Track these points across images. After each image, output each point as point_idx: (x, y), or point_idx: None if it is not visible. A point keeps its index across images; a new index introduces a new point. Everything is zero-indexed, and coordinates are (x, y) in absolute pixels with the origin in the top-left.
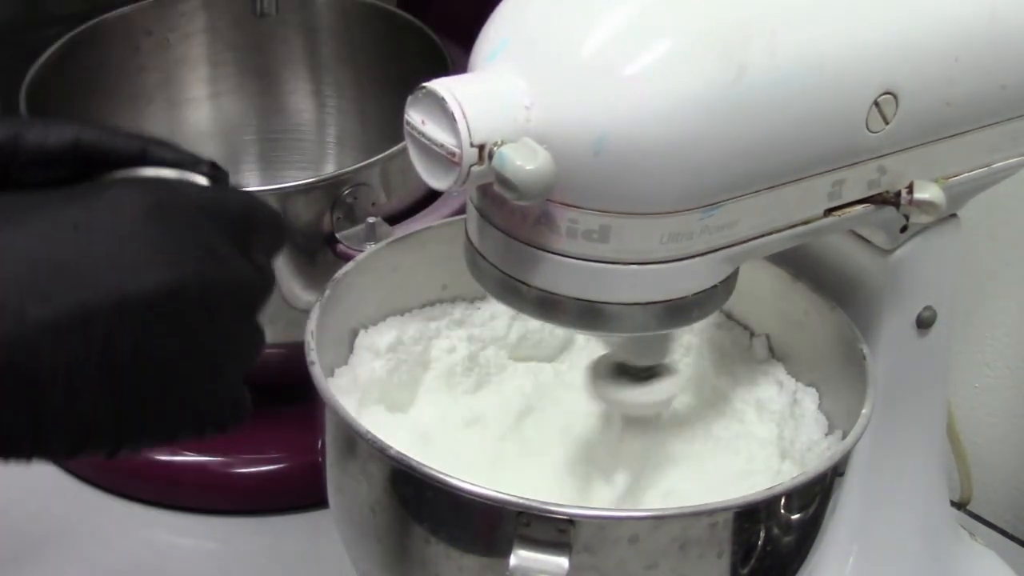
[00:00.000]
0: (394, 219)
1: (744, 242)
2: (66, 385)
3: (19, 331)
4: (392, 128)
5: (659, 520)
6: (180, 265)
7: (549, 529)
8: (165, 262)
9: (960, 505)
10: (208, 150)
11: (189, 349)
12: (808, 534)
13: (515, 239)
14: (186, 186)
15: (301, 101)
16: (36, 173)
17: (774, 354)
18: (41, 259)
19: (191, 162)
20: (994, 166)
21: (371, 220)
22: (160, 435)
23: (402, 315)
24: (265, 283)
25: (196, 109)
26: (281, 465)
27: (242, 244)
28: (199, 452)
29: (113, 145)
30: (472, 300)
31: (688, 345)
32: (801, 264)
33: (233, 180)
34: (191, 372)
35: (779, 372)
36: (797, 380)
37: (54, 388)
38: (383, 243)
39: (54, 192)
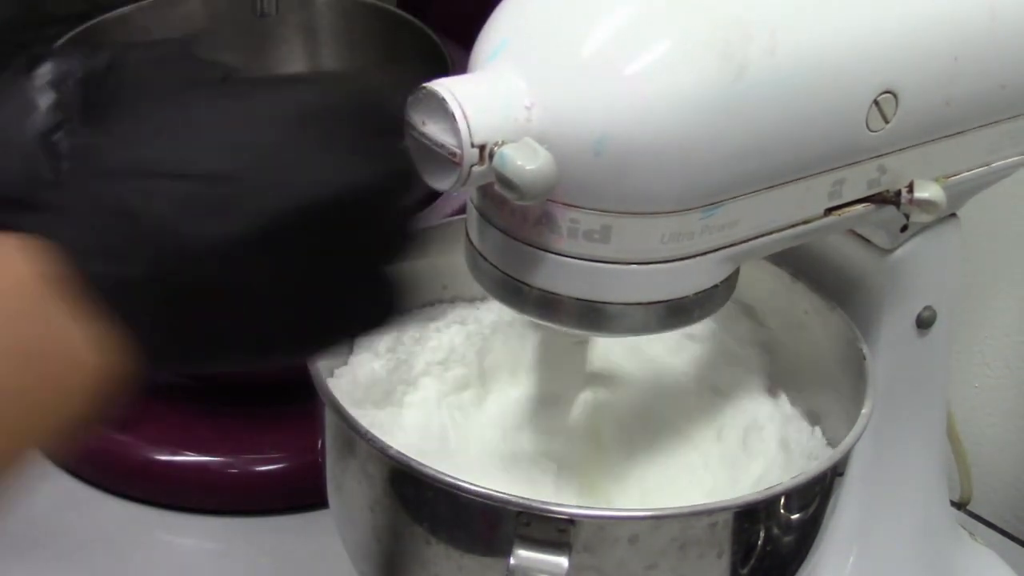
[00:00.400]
0: None
1: (745, 242)
2: (252, 295)
3: (198, 247)
4: None
5: (659, 520)
6: (346, 171)
7: (549, 529)
8: (333, 168)
9: (960, 505)
10: None
11: (358, 250)
12: (808, 534)
13: (515, 239)
14: (325, 86)
15: None
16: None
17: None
18: (216, 176)
19: None
20: (994, 166)
21: None
22: (335, 336)
23: (402, 315)
24: (417, 178)
25: None
26: (281, 465)
27: (388, 141)
28: (199, 452)
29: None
30: (472, 300)
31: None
32: (801, 264)
33: None
34: (361, 272)
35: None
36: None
37: (242, 299)
38: None
39: (198, 96)
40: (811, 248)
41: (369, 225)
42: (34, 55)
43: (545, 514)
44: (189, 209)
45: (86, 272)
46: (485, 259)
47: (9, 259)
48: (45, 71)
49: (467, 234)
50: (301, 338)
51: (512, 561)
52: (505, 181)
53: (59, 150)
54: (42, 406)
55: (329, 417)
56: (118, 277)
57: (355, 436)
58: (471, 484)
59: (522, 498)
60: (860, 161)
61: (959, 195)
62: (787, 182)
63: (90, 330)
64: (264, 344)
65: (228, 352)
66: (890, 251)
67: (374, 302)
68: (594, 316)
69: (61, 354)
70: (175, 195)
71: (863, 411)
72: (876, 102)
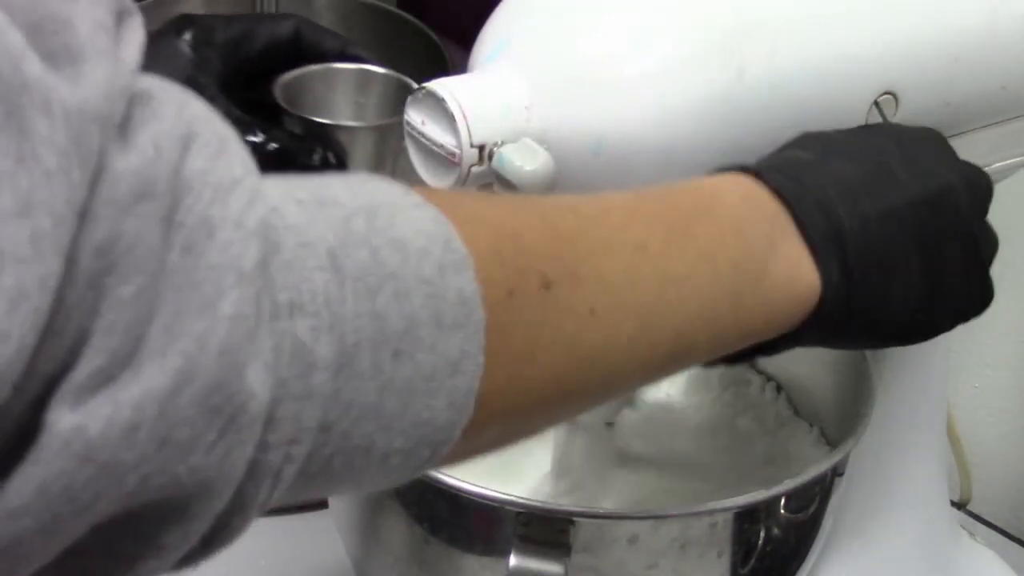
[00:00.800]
0: None
1: None
2: (893, 265)
3: (850, 224)
4: None
5: (659, 520)
6: (946, 171)
7: (549, 529)
8: (941, 168)
9: (960, 505)
10: None
11: (968, 238)
12: (808, 534)
13: None
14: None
15: None
16: (265, 60)
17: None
18: (848, 182)
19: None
20: (994, 166)
21: None
22: (950, 321)
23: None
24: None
25: None
26: None
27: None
28: None
29: (322, 39)
30: None
31: None
32: None
33: None
34: (974, 263)
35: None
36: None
37: (899, 265)
38: None
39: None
40: None
41: (970, 222)
42: (181, 18)
43: (545, 514)
44: (856, 189)
45: (804, 213)
46: None
47: (743, 181)
48: (188, 36)
49: None
50: (926, 321)
51: (511, 561)
52: (504, 181)
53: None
54: (747, 300)
55: None
56: (828, 226)
57: None
58: (471, 484)
59: (522, 498)
60: None
61: None
62: None
63: (807, 260)
64: (901, 321)
65: (876, 324)
66: None
67: (976, 295)
68: None
69: (779, 271)
70: (844, 178)
71: (863, 411)
72: (876, 103)
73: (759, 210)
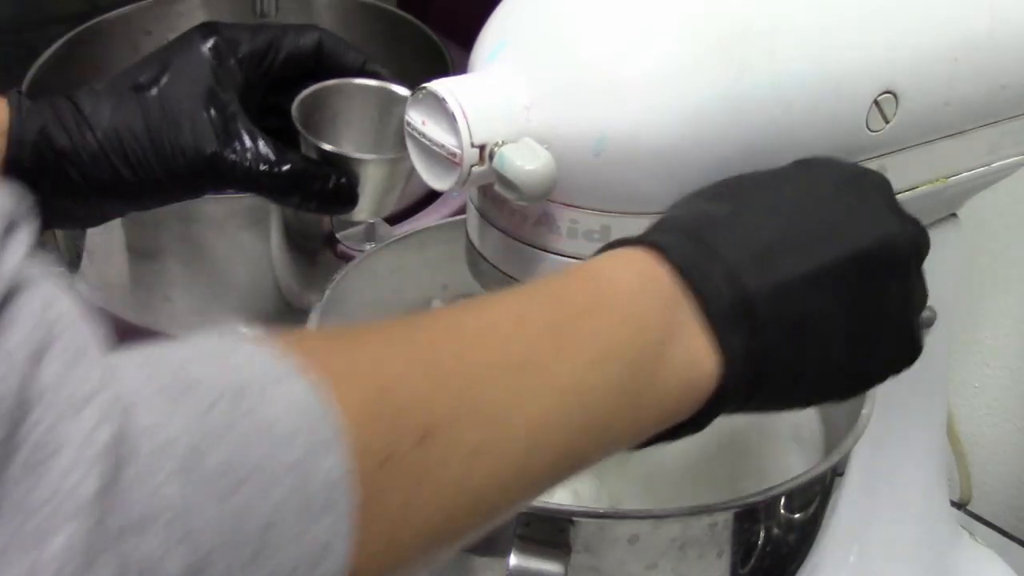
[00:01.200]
0: (394, 219)
1: None
2: (822, 327)
3: (787, 277)
4: None
5: (659, 520)
6: (882, 225)
7: (549, 529)
8: (871, 221)
9: (960, 505)
10: None
11: (899, 293)
12: (808, 534)
13: (516, 239)
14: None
15: None
16: (287, 70)
17: None
18: (764, 240)
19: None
20: (994, 165)
21: (371, 220)
22: (873, 380)
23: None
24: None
25: None
26: None
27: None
28: None
29: (344, 54)
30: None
31: None
32: None
33: None
34: (899, 319)
35: None
36: None
37: (815, 330)
38: (383, 243)
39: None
40: None
41: (906, 277)
42: (205, 25)
43: (545, 514)
44: (773, 248)
45: (705, 287)
46: (485, 259)
47: (639, 258)
48: (210, 45)
49: (467, 234)
50: (852, 379)
51: (511, 561)
52: (505, 182)
53: (225, 119)
54: (642, 399)
55: None
56: (733, 297)
57: None
58: None
59: None
60: (860, 161)
61: (959, 195)
62: None
63: (706, 340)
64: (825, 383)
65: (794, 388)
66: None
67: (905, 350)
68: None
69: (677, 359)
70: (760, 237)
71: (863, 411)
72: (876, 102)
73: (657, 295)
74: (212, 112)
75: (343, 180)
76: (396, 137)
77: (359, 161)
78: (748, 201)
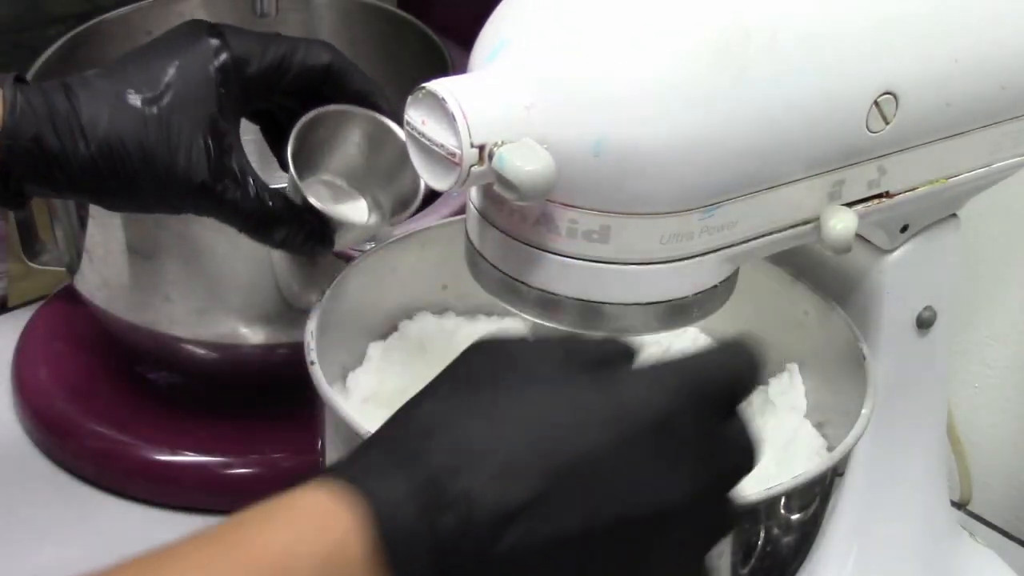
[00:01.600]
0: None
1: (744, 242)
2: None
3: (500, 545)
4: None
5: None
6: (664, 492)
7: None
8: (654, 486)
9: (960, 505)
10: None
11: (675, 554)
12: (808, 534)
13: (515, 239)
14: (704, 362)
15: None
16: (295, 86)
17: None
18: (542, 474)
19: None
20: (994, 166)
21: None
22: None
23: (402, 315)
24: (750, 463)
25: None
26: (281, 465)
27: (728, 414)
28: (199, 452)
29: (352, 78)
30: (490, 315)
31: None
32: (801, 264)
33: None
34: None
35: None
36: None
37: None
38: (383, 243)
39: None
40: (811, 248)
41: (663, 548)
42: (217, 32)
43: None
44: (498, 499)
45: (394, 534)
46: (485, 259)
47: (332, 517)
48: (218, 64)
49: (467, 234)
50: None
51: None
52: (504, 182)
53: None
54: None
55: (329, 417)
56: (422, 549)
57: (355, 436)
58: None
59: None
60: (860, 162)
61: (959, 195)
62: (787, 183)
63: None
64: None
65: None
66: (890, 251)
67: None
68: (593, 316)
69: None
70: (490, 484)
71: (863, 411)
72: (876, 103)
73: (343, 554)
74: (210, 142)
75: (324, 232)
76: (384, 173)
77: (341, 223)
78: (508, 432)
